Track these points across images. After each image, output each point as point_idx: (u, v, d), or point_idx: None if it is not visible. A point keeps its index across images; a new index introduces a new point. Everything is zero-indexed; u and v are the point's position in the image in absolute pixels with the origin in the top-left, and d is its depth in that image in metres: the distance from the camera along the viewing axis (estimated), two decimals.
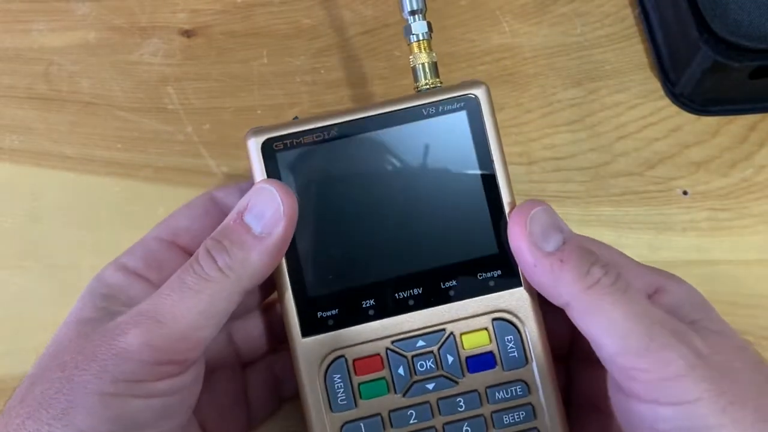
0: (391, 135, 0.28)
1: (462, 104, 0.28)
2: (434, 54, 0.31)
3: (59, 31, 0.44)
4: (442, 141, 0.28)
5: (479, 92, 0.28)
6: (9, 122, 0.43)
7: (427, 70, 0.30)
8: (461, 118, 0.28)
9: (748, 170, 0.41)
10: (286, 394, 0.33)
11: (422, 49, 0.30)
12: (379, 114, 0.28)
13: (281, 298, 0.28)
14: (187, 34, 0.44)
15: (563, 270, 0.26)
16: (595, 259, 0.27)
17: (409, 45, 0.31)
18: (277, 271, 0.28)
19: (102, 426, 0.24)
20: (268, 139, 0.28)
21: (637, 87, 0.43)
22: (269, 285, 0.29)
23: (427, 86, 0.30)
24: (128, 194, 0.41)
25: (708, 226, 0.40)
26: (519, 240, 0.27)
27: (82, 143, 0.42)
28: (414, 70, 0.30)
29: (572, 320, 0.26)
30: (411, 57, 0.31)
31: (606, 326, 0.25)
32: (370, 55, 0.44)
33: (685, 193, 0.40)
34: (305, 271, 0.28)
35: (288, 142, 0.28)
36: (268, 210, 0.26)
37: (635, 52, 0.44)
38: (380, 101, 0.28)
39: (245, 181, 0.30)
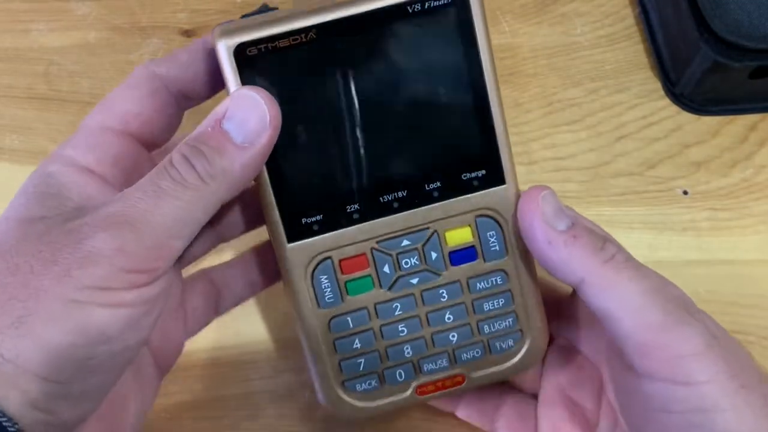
0: (373, 35, 0.26)
1: (449, 0, 0.26)
2: None
3: (59, 31, 0.44)
4: (428, 39, 0.26)
5: None
6: (9, 122, 0.43)
7: None
8: (448, 14, 0.26)
9: (748, 170, 0.41)
10: (223, 307, 0.31)
11: None
12: (361, 13, 0.25)
13: (264, 206, 0.27)
14: (187, 34, 0.44)
15: (576, 246, 0.26)
16: (605, 236, 0.27)
17: None
18: (259, 179, 0.27)
19: (64, 337, 0.21)
20: (240, 44, 0.25)
21: (637, 87, 0.43)
22: None
23: None
24: None
25: (708, 226, 0.40)
26: (532, 219, 0.27)
27: None
28: None
29: (585, 298, 0.26)
30: None
31: (624, 301, 0.25)
32: None
33: (685, 193, 0.40)
34: (288, 179, 0.27)
35: (263, 47, 0.25)
36: (252, 119, 0.24)
37: (635, 51, 0.44)
38: None
39: (183, 50, 0.28)
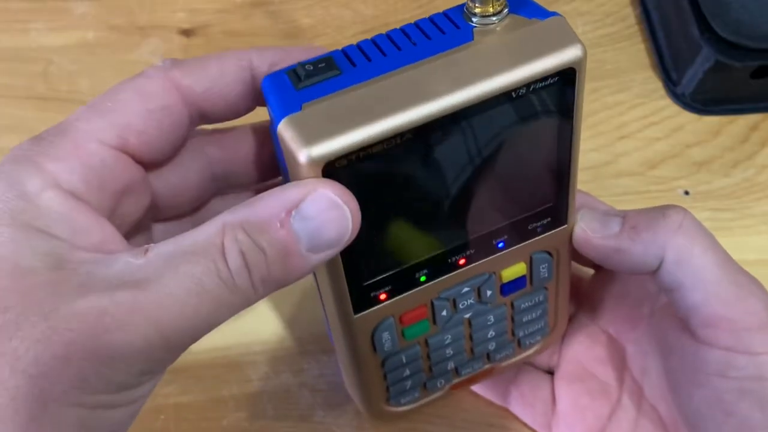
0: (467, 126, 0.23)
1: (555, 78, 0.22)
2: None
3: (58, 31, 0.44)
4: (524, 118, 0.23)
5: (577, 61, 0.22)
6: (8, 122, 0.42)
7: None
8: (552, 92, 0.23)
9: (749, 170, 0.40)
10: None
11: None
12: (457, 111, 0.22)
13: (333, 281, 0.24)
14: (186, 33, 0.44)
15: (640, 234, 0.26)
16: (663, 207, 0.27)
17: None
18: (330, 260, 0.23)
19: None
20: (329, 163, 0.21)
21: (638, 86, 0.43)
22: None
23: (495, 10, 0.23)
24: None
25: (709, 226, 0.39)
26: (590, 245, 0.27)
27: None
28: None
29: (659, 278, 0.26)
30: None
31: (698, 274, 0.25)
32: None
33: (686, 193, 0.40)
34: (361, 262, 0.24)
35: (352, 158, 0.21)
36: (331, 230, 0.21)
37: (636, 51, 0.44)
38: (452, 72, 0.22)
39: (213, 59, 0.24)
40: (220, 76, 0.23)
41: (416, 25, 0.23)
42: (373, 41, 0.23)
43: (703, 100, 0.41)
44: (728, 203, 0.40)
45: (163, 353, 0.20)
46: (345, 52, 0.23)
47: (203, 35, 0.44)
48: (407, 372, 0.29)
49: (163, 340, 0.19)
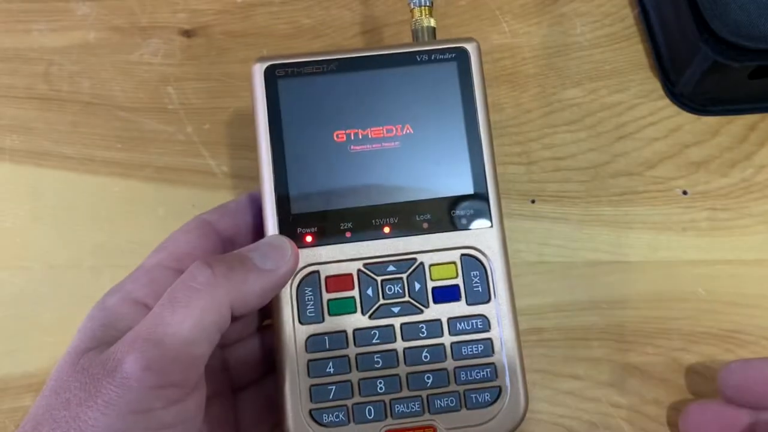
0: (385, 75, 0.31)
1: (453, 55, 0.31)
2: (433, 20, 0.34)
3: (59, 31, 0.44)
4: (432, 86, 0.31)
5: (470, 47, 0.31)
6: (9, 122, 0.43)
7: (426, 33, 0.33)
8: (451, 67, 0.31)
9: (748, 170, 0.41)
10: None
11: (423, 15, 0.34)
12: (376, 55, 0.31)
13: (264, 213, 0.30)
14: (187, 34, 0.44)
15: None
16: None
17: (411, 10, 0.34)
18: (263, 185, 0.30)
19: None
20: (270, 66, 0.30)
21: (636, 87, 0.43)
22: (266, 309, 0.29)
23: None
24: (128, 194, 0.41)
25: (708, 226, 0.40)
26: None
27: (82, 143, 0.42)
28: (414, 32, 0.34)
29: None
30: (412, 21, 0.34)
31: None
32: None
33: (684, 193, 0.40)
34: (291, 190, 0.30)
35: (289, 70, 0.30)
36: (276, 254, 0.28)
37: (635, 52, 0.44)
38: (380, 45, 0.30)
39: (232, 201, 0.31)
40: (237, 211, 0.31)
41: None
42: None
43: (701, 101, 0.42)
44: (726, 203, 0.40)
45: (166, 364, 0.24)
46: None
47: (204, 36, 0.44)
48: (331, 368, 0.29)
49: (160, 353, 0.24)
